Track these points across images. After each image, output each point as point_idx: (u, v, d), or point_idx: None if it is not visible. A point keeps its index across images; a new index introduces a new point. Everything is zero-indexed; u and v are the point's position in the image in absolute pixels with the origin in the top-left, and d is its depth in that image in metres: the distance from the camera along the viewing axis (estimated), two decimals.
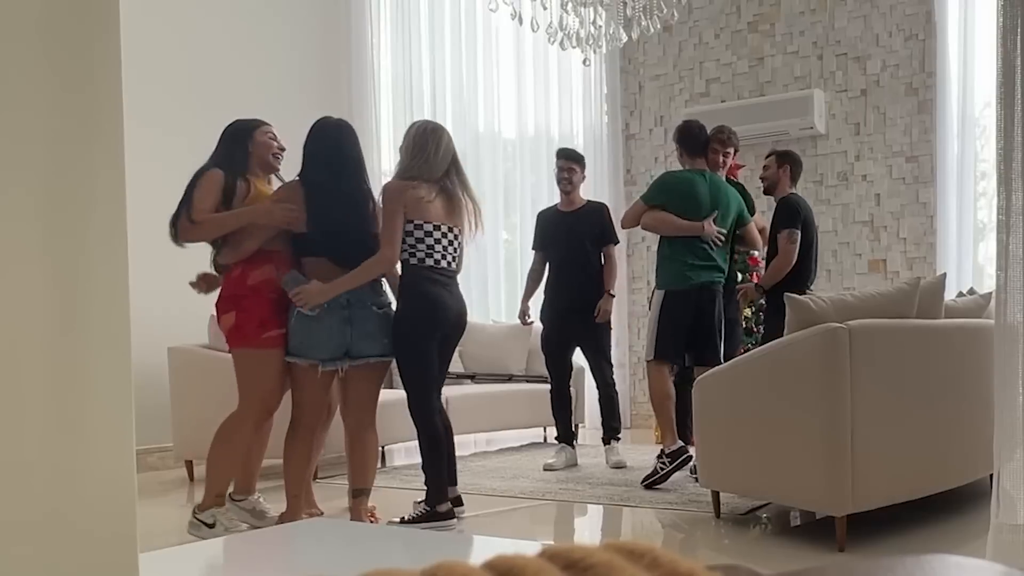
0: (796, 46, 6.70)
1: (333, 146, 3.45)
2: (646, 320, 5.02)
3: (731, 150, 4.67)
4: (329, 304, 3.32)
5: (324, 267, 3.37)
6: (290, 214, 3.31)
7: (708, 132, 4.62)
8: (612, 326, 5.42)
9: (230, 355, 3.47)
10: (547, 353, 5.35)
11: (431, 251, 3.48)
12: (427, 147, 3.47)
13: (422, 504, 3.57)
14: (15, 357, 1.03)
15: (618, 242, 5.27)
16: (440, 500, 3.55)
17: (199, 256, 3.49)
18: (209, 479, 3.45)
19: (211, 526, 3.34)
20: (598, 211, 5.21)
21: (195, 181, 3.43)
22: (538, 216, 5.42)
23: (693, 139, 4.55)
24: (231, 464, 3.44)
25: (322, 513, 3.96)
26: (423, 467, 3.58)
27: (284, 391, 3.48)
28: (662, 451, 4.38)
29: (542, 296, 5.41)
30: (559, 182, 5.17)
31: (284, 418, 3.64)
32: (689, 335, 4.45)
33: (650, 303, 4.81)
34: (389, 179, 3.61)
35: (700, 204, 4.40)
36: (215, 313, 3.46)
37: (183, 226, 3.36)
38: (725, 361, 4.31)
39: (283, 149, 3.59)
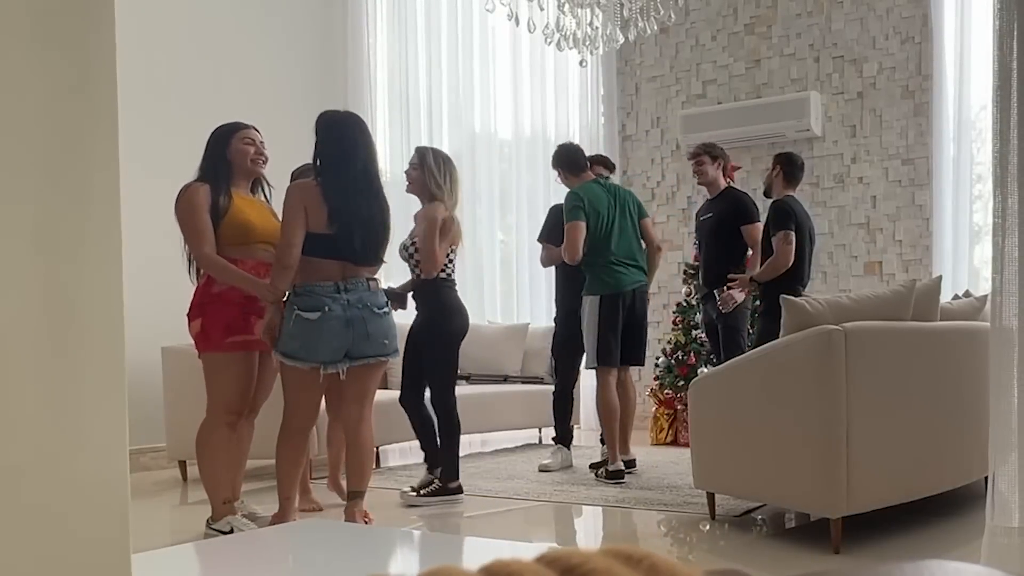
0: (793, 48, 6.70)
1: (352, 137, 3.46)
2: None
3: (704, 158, 4.98)
4: (330, 306, 3.31)
5: (337, 268, 3.38)
6: (272, 298, 3.35)
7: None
8: None
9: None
10: (557, 354, 5.30)
11: (447, 266, 4.08)
12: (454, 175, 4.06)
13: (436, 481, 4.11)
14: (8, 356, 1.02)
15: None
16: (452, 478, 4.12)
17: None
18: (209, 492, 3.45)
19: (230, 533, 3.33)
20: None
21: (180, 198, 3.43)
22: (553, 211, 5.32)
23: (570, 160, 4.88)
24: (223, 469, 3.44)
25: (321, 508, 3.98)
26: (442, 448, 4.13)
27: (251, 394, 3.50)
28: (604, 466, 4.66)
29: (548, 296, 5.43)
30: None
31: (269, 420, 3.63)
32: (622, 336, 4.73)
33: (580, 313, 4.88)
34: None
35: (603, 212, 4.71)
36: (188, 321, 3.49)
37: (197, 261, 3.45)
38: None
39: (261, 154, 3.56)
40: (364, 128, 3.52)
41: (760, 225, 4.86)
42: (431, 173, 3.98)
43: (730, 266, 4.91)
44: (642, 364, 4.97)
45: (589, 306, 4.71)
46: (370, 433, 3.54)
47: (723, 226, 4.92)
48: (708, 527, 3.52)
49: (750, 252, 4.97)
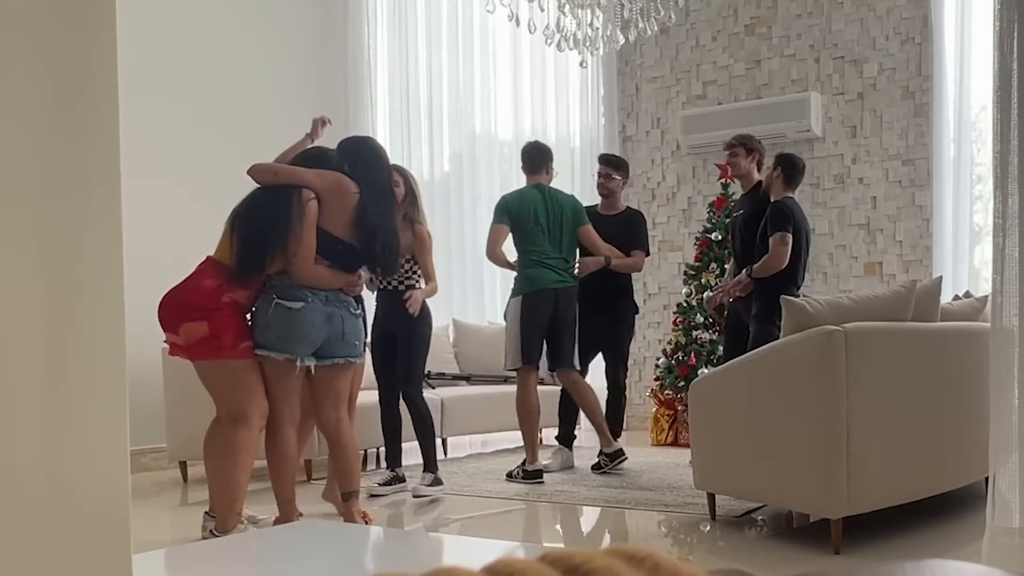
0: (793, 49, 6.70)
1: (386, 163, 3.65)
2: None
3: (738, 150, 4.99)
4: (312, 299, 3.30)
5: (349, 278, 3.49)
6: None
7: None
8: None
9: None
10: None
11: (415, 272, 4.36)
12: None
13: (431, 475, 4.31)
14: (10, 357, 1.02)
15: (649, 252, 5.37)
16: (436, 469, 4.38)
17: (194, 255, 3.46)
18: (225, 499, 3.28)
19: None
20: (633, 218, 5.30)
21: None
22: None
23: (530, 158, 4.98)
24: (245, 475, 3.30)
25: (301, 515, 3.93)
26: (428, 443, 4.32)
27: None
28: (523, 465, 4.75)
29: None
30: (597, 187, 5.30)
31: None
32: (548, 336, 4.83)
33: (505, 315, 5.03)
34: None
35: (530, 215, 4.82)
36: (168, 315, 3.27)
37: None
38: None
39: None
40: (384, 149, 3.77)
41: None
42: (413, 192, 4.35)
43: None
44: (569, 366, 4.90)
45: (512, 307, 4.87)
46: (351, 433, 3.50)
47: (753, 224, 4.86)
48: (709, 528, 3.52)
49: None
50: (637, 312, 5.38)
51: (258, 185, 3.40)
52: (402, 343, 4.31)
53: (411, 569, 0.30)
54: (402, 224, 4.20)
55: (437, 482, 4.31)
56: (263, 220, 3.31)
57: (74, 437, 1.07)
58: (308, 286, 3.32)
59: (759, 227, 4.84)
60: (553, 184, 5.27)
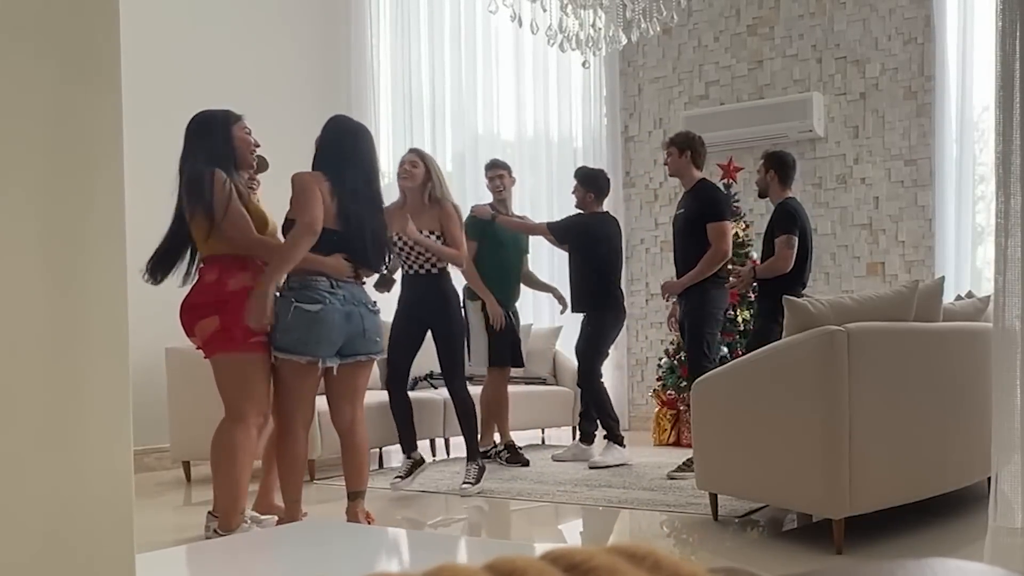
0: (795, 49, 6.70)
1: (362, 149, 3.51)
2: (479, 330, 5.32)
3: (671, 149, 4.99)
4: (329, 299, 3.30)
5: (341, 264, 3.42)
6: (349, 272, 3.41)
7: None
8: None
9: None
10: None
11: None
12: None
13: (476, 466, 4.48)
14: (13, 358, 1.02)
15: (598, 251, 5.43)
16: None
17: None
18: (228, 500, 3.26)
19: None
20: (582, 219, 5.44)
21: (203, 185, 3.29)
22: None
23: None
24: (247, 476, 3.29)
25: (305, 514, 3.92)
26: (474, 435, 4.52)
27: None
28: (508, 445, 5.35)
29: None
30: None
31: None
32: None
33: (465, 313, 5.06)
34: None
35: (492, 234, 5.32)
36: (185, 320, 3.28)
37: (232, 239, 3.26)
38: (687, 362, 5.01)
39: (258, 145, 3.49)
40: (371, 142, 3.58)
41: (727, 224, 4.79)
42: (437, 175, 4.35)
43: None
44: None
45: (478, 310, 5.28)
46: (364, 433, 3.51)
47: (692, 223, 4.80)
48: (711, 528, 3.52)
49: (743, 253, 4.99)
50: (603, 312, 5.32)
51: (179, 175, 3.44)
52: (442, 336, 4.40)
53: (413, 568, 0.30)
54: (428, 205, 4.30)
55: (482, 471, 4.48)
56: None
57: (77, 437, 1.07)
58: (310, 273, 3.30)
59: (701, 226, 4.78)
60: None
